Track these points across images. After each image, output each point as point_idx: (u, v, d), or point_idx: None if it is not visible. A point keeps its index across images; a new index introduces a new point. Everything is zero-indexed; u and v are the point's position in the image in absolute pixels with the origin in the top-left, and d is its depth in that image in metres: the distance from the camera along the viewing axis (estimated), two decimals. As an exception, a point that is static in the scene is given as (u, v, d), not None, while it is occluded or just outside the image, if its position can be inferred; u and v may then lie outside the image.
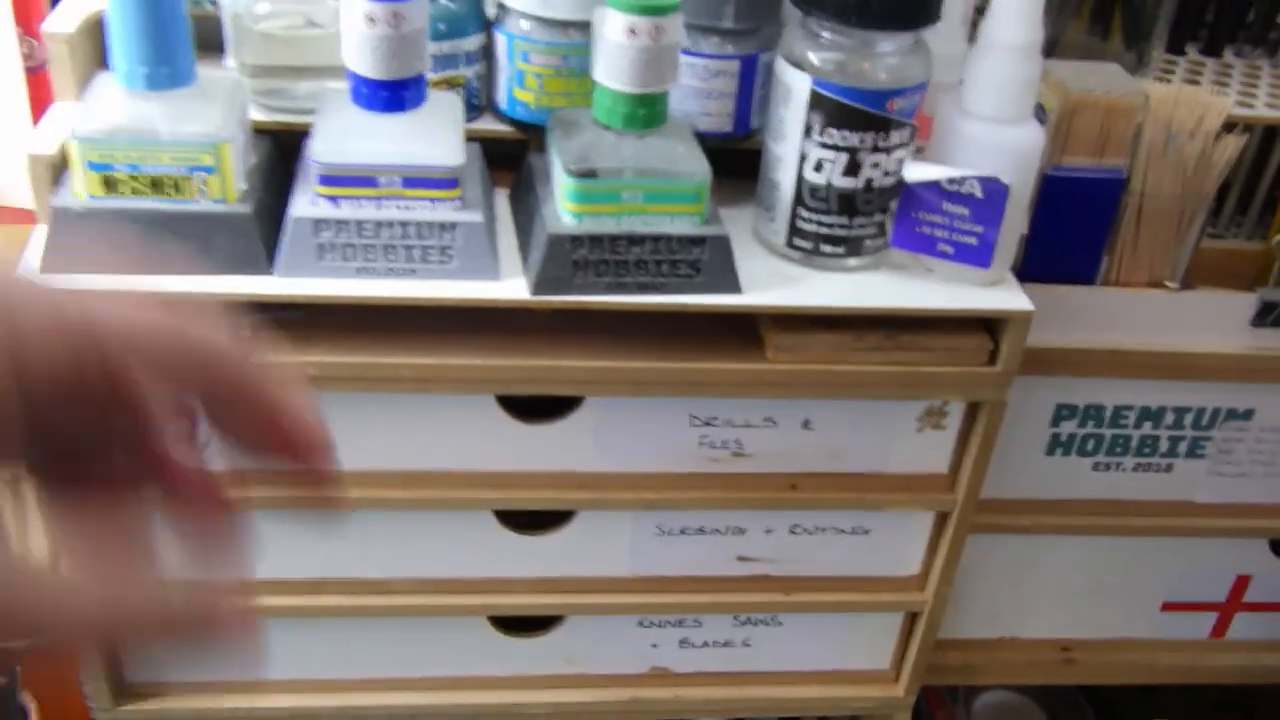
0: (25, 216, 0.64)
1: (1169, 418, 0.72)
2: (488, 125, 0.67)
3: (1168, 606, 0.81)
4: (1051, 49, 0.72)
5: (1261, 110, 0.72)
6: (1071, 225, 0.67)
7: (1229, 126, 0.66)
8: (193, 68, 0.58)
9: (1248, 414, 0.73)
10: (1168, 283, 0.69)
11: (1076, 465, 0.74)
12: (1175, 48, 0.80)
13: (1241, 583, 0.80)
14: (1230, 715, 1.07)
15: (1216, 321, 0.69)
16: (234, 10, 0.63)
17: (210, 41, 0.64)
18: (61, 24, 0.62)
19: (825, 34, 0.59)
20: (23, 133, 0.76)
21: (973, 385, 0.65)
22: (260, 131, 0.63)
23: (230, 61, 0.64)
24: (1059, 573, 0.78)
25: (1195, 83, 0.77)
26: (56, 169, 0.59)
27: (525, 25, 0.63)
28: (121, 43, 0.55)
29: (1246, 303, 0.69)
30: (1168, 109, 0.65)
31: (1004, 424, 0.71)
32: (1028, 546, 0.77)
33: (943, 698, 0.93)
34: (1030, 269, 0.67)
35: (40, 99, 0.78)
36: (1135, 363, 0.69)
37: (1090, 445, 0.73)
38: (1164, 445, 0.73)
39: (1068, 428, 0.72)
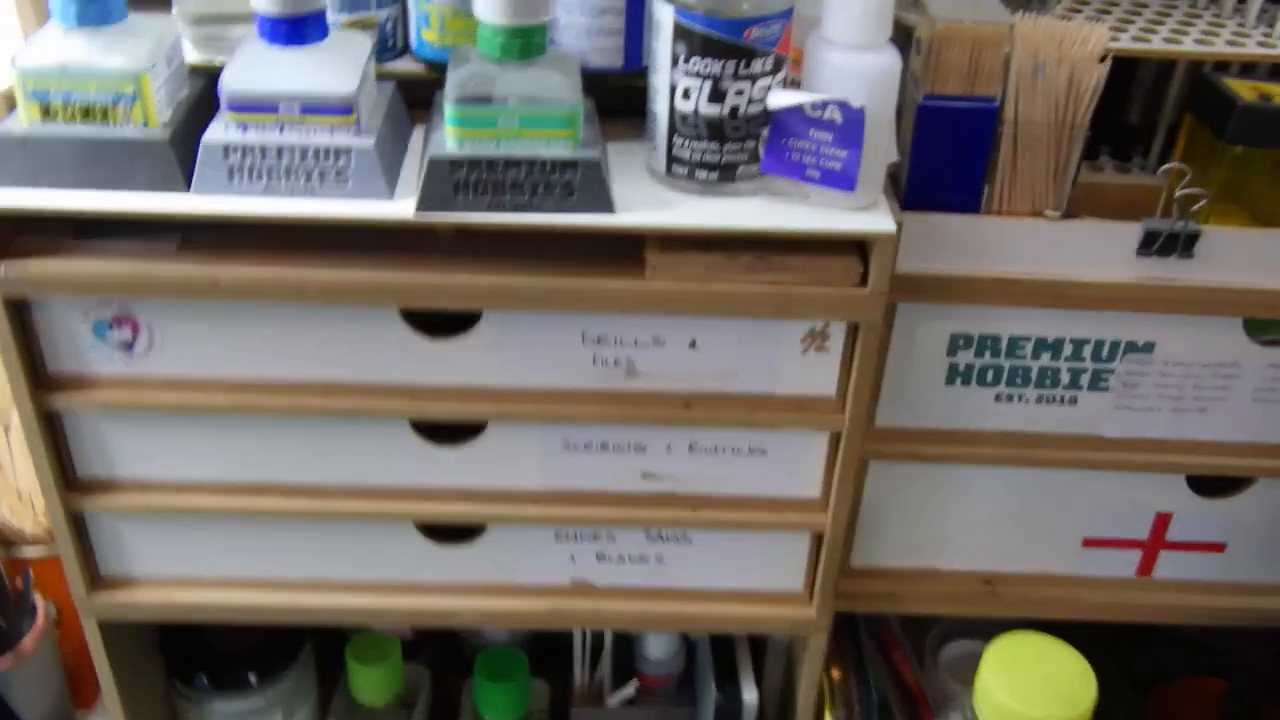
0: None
1: (1067, 349, 0.74)
2: (405, 66, 0.73)
3: (1089, 542, 0.82)
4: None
5: (1158, 44, 0.73)
6: (949, 155, 0.69)
7: (1102, 58, 0.68)
8: (123, 7, 0.65)
9: (1148, 347, 0.74)
10: (1049, 212, 0.71)
11: (979, 395, 0.76)
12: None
13: (1162, 521, 0.81)
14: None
15: (1103, 251, 0.71)
16: (173, -37, 0.70)
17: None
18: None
19: (689, -30, 0.64)
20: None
21: (845, 306, 0.68)
22: (196, 70, 0.71)
23: (175, 9, 0.72)
24: (976, 505, 0.80)
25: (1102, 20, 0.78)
26: (10, 100, 0.67)
27: (428, -30, 0.69)
28: (57, -16, 0.63)
29: (1132, 232, 0.70)
30: (1035, 39, 0.67)
31: (900, 352, 0.75)
32: (939, 477, 0.79)
33: (895, 635, 0.95)
34: (914, 198, 0.70)
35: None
36: (1021, 290, 0.71)
37: (990, 376, 0.75)
38: (1065, 377, 0.75)
39: (964, 357, 0.74)
